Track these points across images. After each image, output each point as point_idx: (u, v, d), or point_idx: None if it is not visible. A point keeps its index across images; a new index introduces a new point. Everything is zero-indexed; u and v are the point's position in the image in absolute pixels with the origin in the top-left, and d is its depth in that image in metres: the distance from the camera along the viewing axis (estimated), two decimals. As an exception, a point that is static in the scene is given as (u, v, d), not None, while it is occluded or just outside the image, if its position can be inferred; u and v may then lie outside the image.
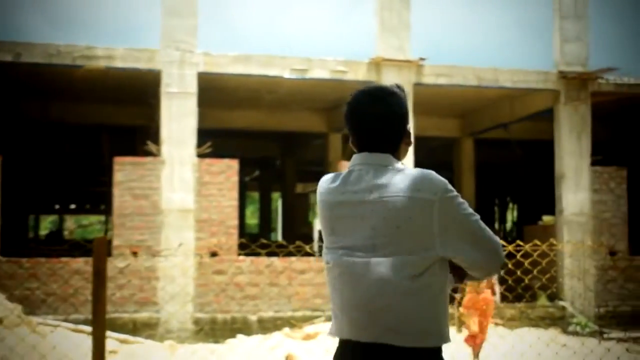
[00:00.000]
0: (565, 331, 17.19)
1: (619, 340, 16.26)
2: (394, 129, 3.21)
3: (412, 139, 3.33)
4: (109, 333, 12.89)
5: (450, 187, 3.06)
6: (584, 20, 18.69)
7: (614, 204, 18.78)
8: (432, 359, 3.04)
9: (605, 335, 16.93)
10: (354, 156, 3.22)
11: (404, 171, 3.10)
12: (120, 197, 16.15)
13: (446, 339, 3.07)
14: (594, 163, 18.75)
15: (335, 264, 3.16)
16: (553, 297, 18.04)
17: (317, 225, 42.45)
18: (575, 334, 17.11)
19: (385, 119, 3.19)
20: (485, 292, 12.00)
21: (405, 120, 3.24)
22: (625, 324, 18.18)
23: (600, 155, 18.77)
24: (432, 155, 23.79)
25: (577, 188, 18.46)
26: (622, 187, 18.88)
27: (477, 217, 3.10)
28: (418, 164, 17.95)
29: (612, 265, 18.57)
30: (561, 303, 17.98)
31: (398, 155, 3.21)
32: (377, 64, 17.51)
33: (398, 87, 3.29)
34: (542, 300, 17.84)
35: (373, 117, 3.19)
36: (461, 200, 3.08)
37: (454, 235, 3.06)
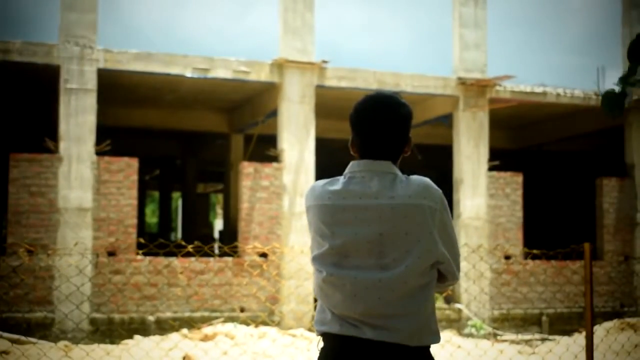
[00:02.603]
0: (460, 333, 17.49)
1: (512, 342, 16.65)
2: (402, 138, 3.24)
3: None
4: (0, 333, 12.63)
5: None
6: (483, 28, 19.06)
7: (509, 209, 19.20)
8: (428, 354, 3.14)
9: (498, 337, 17.31)
10: (354, 163, 3.23)
11: (409, 179, 3.15)
12: (15, 194, 15.79)
13: (439, 336, 3.20)
14: (491, 169, 19.13)
15: (335, 269, 3.14)
16: (449, 300, 18.35)
17: (218, 225, 42.23)
18: (470, 335, 17.43)
19: (396, 127, 3.22)
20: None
21: (409, 130, 3.28)
22: (517, 326, 18.63)
23: (499, 161, 19.14)
24: (333, 156, 23.90)
25: (474, 193, 18.81)
26: (517, 193, 19.32)
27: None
28: (320, 165, 18.04)
29: (506, 269, 18.98)
30: (457, 305, 18.30)
31: (397, 163, 3.24)
32: (280, 65, 17.52)
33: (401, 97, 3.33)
34: (439, 303, 18.11)
35: (385, 124, 3.21)
36: None
37: (444, 242, 3.17)
